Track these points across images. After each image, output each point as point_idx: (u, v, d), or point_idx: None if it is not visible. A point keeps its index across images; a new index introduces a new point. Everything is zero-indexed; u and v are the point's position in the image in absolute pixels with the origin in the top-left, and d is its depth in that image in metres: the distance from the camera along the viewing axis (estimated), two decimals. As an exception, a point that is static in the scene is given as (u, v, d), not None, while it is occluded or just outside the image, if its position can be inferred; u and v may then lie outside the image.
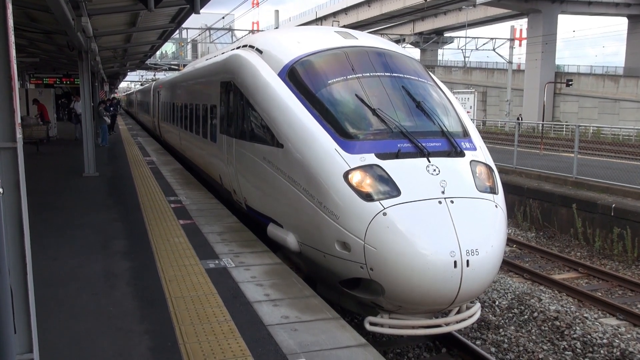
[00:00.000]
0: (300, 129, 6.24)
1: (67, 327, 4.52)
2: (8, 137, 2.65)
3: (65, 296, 5.21)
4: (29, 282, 2.77)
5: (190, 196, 10.09)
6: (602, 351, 7.15)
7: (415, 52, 60.26)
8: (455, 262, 5.07)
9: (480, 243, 5.26)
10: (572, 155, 15.44)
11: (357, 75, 6.63)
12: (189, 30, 50.95)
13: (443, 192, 5.48)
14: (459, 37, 53.30)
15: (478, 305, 6.08)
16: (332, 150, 5.84)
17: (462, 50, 50.42)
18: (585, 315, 8.37)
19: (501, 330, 7.72)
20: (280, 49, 7.45)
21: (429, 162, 5.77)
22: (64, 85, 29.64)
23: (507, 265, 10.87)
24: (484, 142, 6.93)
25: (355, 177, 5.58)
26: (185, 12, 12.04)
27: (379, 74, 6.75)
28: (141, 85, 60.67)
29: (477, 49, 49.70)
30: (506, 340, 7.41)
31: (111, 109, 24.75)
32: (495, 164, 6.58)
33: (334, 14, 61.76)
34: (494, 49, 48.58)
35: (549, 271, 10.97)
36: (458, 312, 5.88)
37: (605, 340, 7.38)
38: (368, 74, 6.70)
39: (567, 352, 7.19)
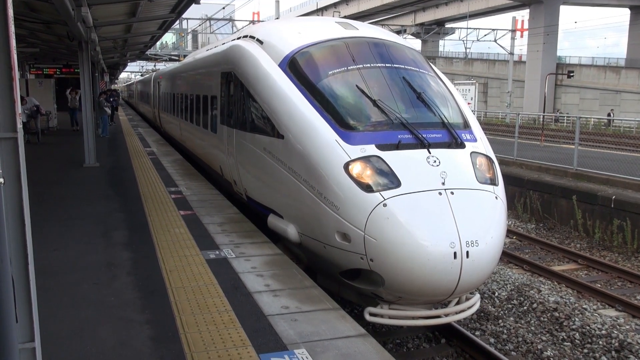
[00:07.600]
0: (300, 119, 6.23)
1: (68, 316, 4.54)
2: (9, 128, 2.64)
3: (66, 286, 5.23)
4: (30, 272, 2.77)
5: (191, 187, 10.10)
6: (600, 342, 7.18)
7: (416, 43, 59.96)
8: (455, 253, 5.09)
9: (480, 234, 5.27)
10: (573, 146, 15.43)
11: (357, 66, 6.62)
12: (189, 20, 50.69)
13: (443, 184, 5.49)
14: (460, 28, 52.92)
15: (477, 296, 6.11)
16: (333, 141, 5.84)
17: (463, 41, 50.14)
18: (584, 306, 8.41)
19: (500, 321, 7.75)
20: (280, 40, 7.42)
21: (430, 153, 5.77)
22: (63, 76, 29.53)
23: (507, 257, 10.90)
24: (485, 133, 6.93)
25: (356, 168, 5.58)
26: (186, 2, 11.98)
27: (379, 64, 6.73)
28: (141, 75, 60.49)
29: (478, 40, 49.44)
30: (505, 331, 7.44)
31: (111, 99, 24.65)
32: (496, 156, 6.58)
33: (335, 5, 61.39)
34: (495, 40, 48.36)
35: (548, 262, 10.99)
36: (457, 303, 5.90)
37: (604, 332, 7.41)
38: (369, 65, 6.68)
39: (565, 343, 7.23)
